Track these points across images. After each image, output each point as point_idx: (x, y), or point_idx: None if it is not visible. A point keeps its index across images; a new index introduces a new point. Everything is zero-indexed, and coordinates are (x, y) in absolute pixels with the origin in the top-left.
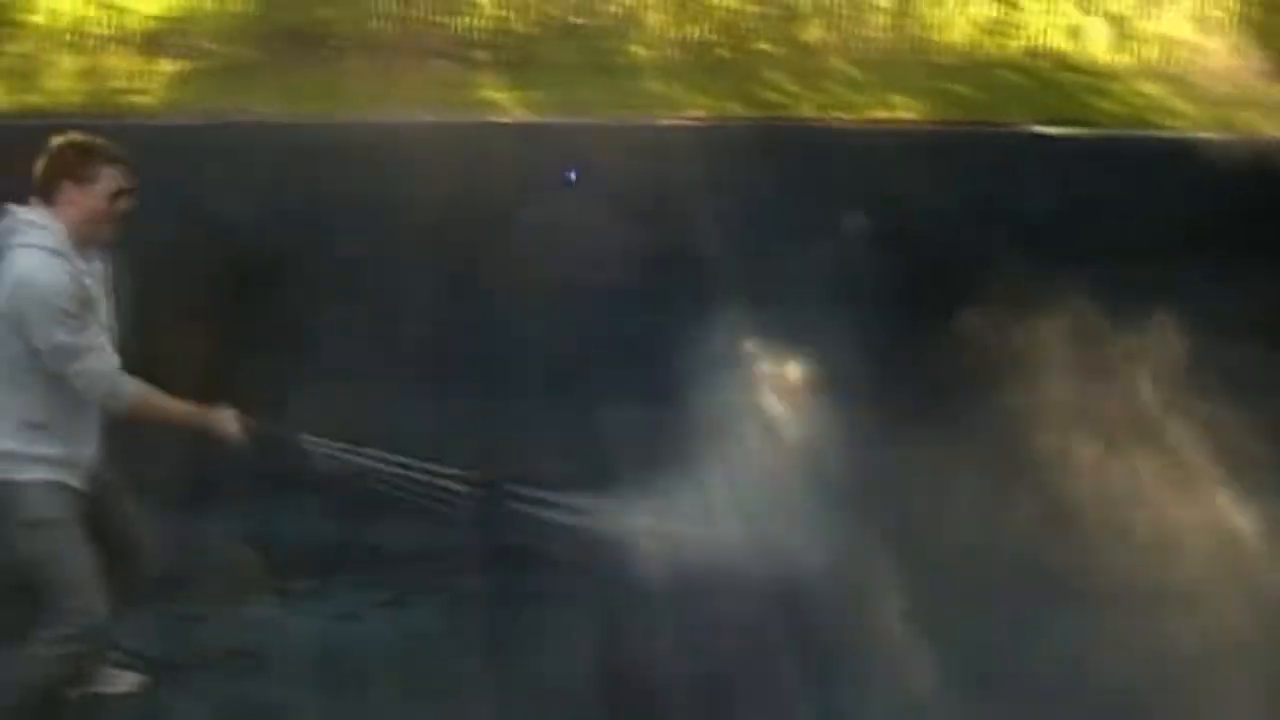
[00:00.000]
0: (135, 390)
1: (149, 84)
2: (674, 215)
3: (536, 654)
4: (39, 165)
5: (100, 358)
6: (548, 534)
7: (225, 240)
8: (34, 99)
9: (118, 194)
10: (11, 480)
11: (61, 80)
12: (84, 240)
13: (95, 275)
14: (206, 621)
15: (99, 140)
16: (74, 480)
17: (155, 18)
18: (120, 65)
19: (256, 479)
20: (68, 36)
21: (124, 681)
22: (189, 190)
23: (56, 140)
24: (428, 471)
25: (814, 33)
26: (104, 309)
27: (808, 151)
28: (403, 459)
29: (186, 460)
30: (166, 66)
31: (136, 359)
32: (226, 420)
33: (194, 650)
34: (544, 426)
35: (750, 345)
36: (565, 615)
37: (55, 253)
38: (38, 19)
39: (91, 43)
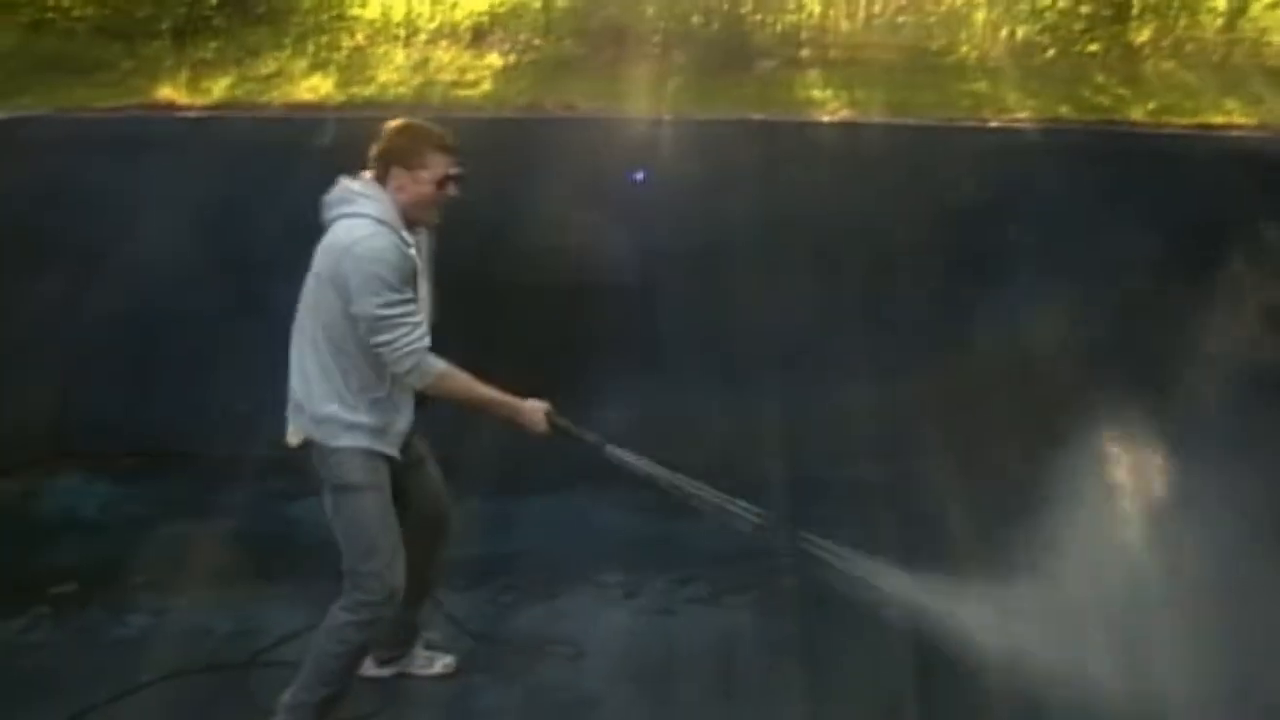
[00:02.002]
0: (442, 370)
1: (474, 77)
2: (1006, 219)
3: (850, 658)
4: (373, 146)
5: (411, 333)
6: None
7: (543, 230)
8: (366, 91)
9: (445, 180)
10: (328, 445)
11: (391, 73)
12: (410, 221)
13: (418, 251)
14: (521, 609)
15: (431, 126)
16: (387, 448)
17: (481, 13)
18: (447, 59)
19: (574, 469)
20: (398, 31)
21: (437, 664)
22: (508, 183)
23: (391, 123)
24: (720, 501)
25: (1145, 34)
26: (423, 286)
27: (1140, 158)
28: (699, 485)
29: (505, 446)
30: (492, 60)
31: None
32: (534, 413)
33: (508, 636)
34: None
35: None
36: (882, 619)
37: (381, 223)
38: (370, 14)
39: (420, 37)
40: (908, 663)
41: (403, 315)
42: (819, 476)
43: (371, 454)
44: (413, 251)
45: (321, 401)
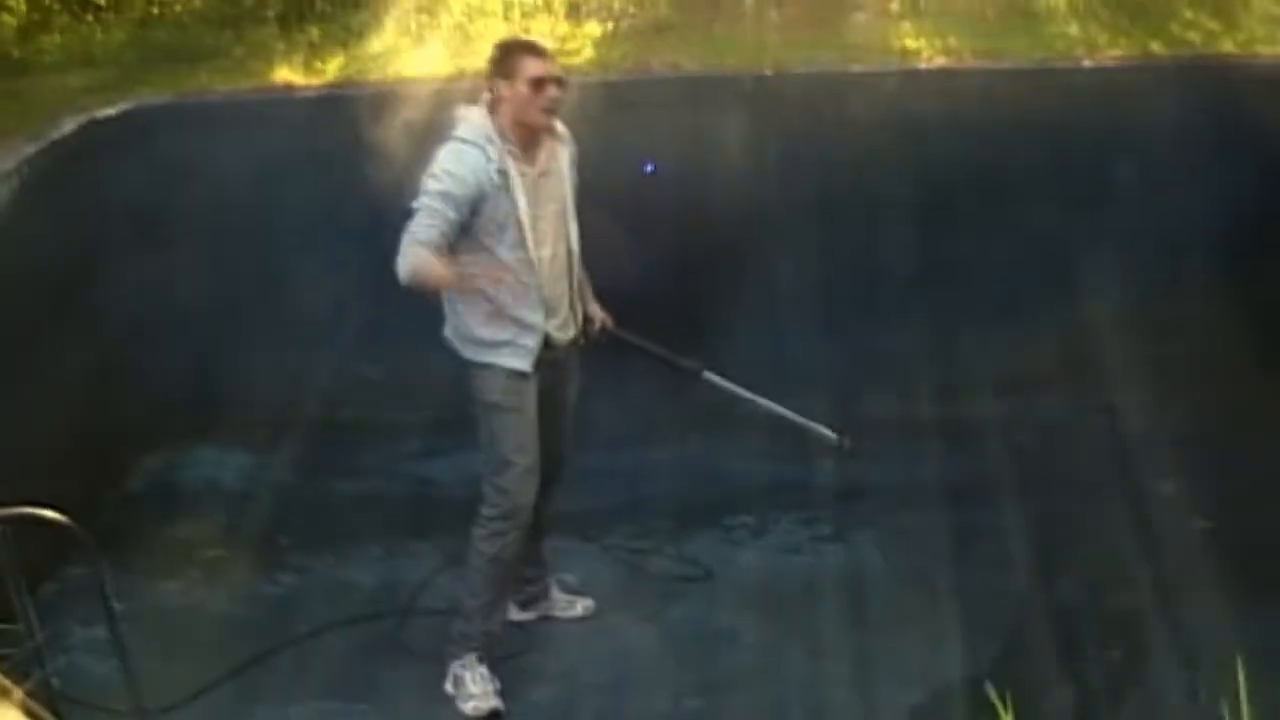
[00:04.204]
0: (414, 261)
1: (576, 45)
2: (1111, 156)
3: (972, 591)
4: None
5: (419, 229)
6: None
7: (659, 185)
8: (476, 64)
9: (540, 81)
10: (471, 361)
11: None
12: (523, 131)
13: (546, 172)
14: (654, 552)
15: (520, 36)
16: (517, 363)
17: None
18: (548, 29)
19: (699, 417)
20: (494, 8)
21: (577, 606)
22: (623, 140)
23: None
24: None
25: None
26: (527, 197)
27: (1236, 87)
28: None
29: (633, 398)
30: (591, 29)
31: None
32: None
33: (641, 577)
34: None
35: None
36: (1001, 548)
37: (466, 141)
38: None
39: (516, 10)
40: (1030, 596)
41: (424, 210)
42: (932, 414)
43: (517, 373)
44: (493, 166)
45: (460, 319)
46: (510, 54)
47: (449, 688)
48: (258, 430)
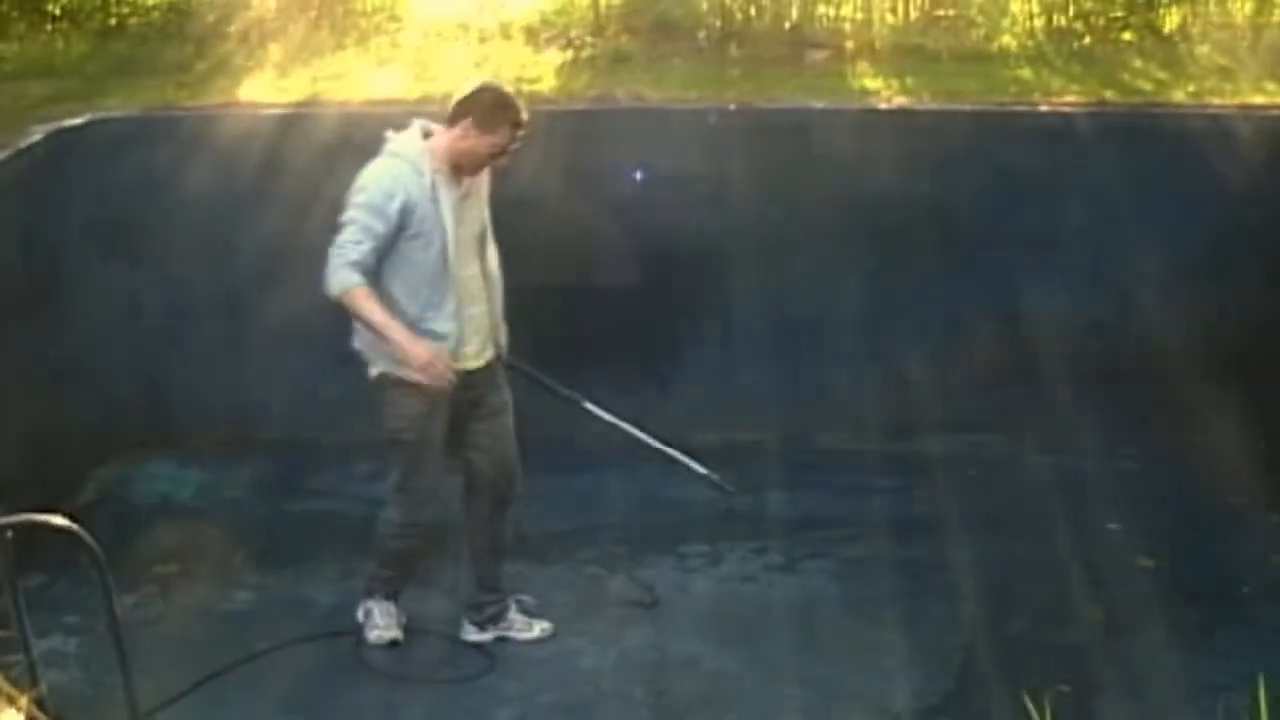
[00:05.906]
0: (348, 285)
1: (537, 73)
2: (1059, 197)
3: (923, 619)
4: (460, 93)
5: (347, 241)
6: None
7: (621, 214)
8: (437, 87)
9: (503, 151)
10: (389, 376)
11: (456, 71)
12: (455, 167)
13: (466, 195)
14: (608, 579)
15: (515, 100)
16: (413, 374)
17: (535, 13)
18: (507, 56)
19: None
20: (453, 32)
21: (535, 628)
22: (587, 168)
23: (486, 81)
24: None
25: (1174, 20)
26: (452, 215)
27: (1189, 137)
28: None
29: (589, 424)
30: (551, 57)
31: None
32: (418, 358)
33: (597, 602)
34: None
35: None
36: (951, 582)
37: (397, 156)
38: (422, 16)
39: (475, 35)
40: (980, 629)
41: (353, 225)
42: (883, 449)
43: (420, 402)
44: (425, 180)
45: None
46: (498, 113)
47: (360, 617)
48: (212, 447)
